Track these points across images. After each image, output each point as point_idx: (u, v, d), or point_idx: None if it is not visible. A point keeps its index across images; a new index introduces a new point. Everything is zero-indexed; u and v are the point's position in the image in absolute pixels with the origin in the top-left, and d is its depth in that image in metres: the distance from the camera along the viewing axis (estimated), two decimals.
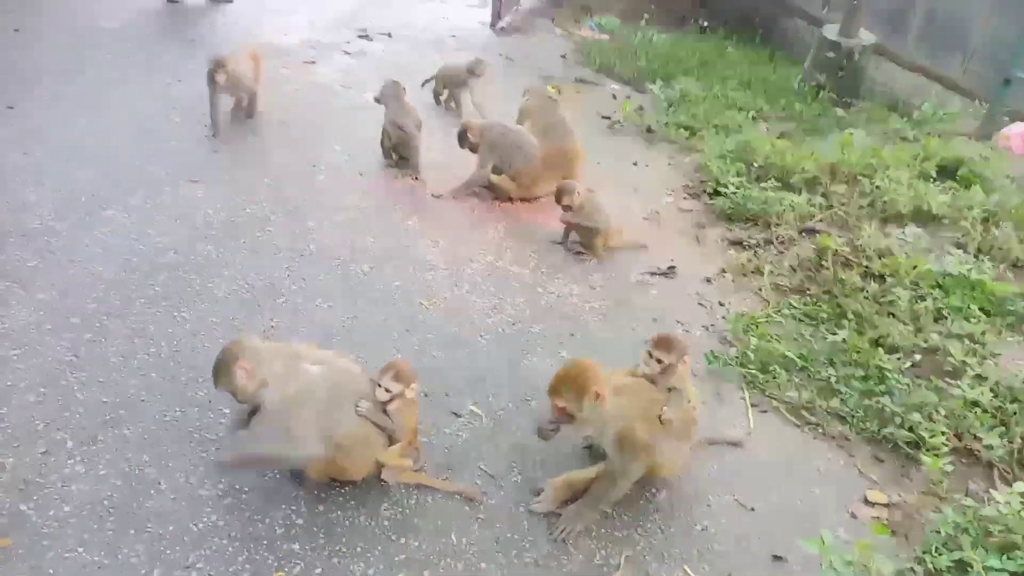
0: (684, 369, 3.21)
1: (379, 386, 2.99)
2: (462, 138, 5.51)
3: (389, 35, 8.71)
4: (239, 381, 2.78)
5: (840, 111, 7.66)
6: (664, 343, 3.18)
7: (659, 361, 3.15)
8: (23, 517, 2.77)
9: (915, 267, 4.71)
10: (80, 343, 3.60)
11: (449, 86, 6.87)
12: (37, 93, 5.98)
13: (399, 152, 5.74)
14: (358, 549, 2.86)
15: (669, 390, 3.13)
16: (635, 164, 6.46)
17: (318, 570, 2.76)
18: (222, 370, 2.79)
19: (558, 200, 4.99)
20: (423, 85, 6.93)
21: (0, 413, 3.14)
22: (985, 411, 3.73)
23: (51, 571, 2.61)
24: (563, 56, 8.87)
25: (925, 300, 4.49)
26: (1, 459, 2.96)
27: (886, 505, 3.39)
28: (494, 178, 5.52)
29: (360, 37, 8.48)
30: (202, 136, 5.71)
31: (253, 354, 2.80)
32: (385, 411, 3.00)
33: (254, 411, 2.89)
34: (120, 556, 2.69)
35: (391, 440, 3.05)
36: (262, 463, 2.99)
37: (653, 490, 3.29)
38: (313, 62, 7.55)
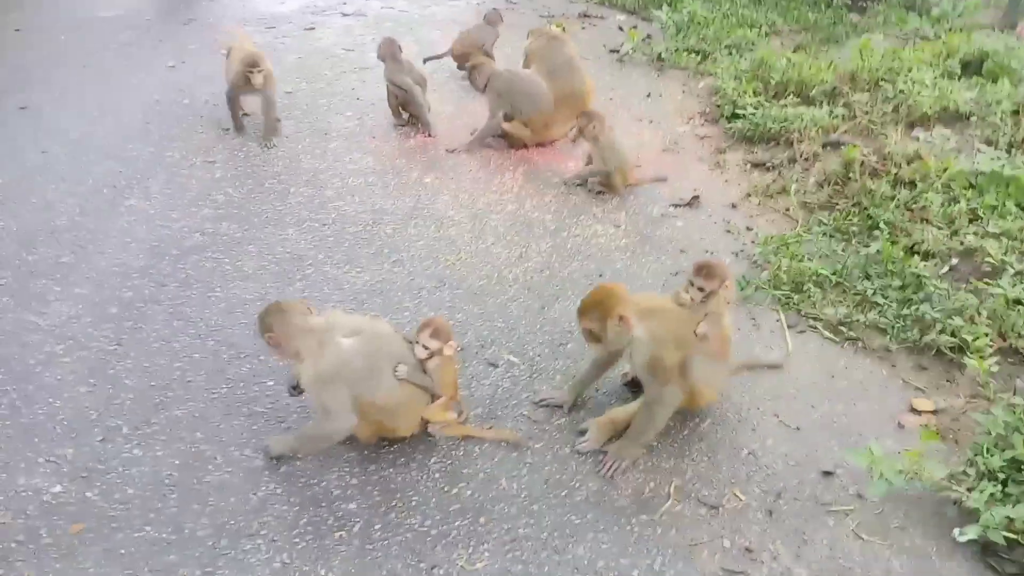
0: (725, 294, 3.18)
1: (417, 343, 3.02)
2: (470, 72, 5.46)
3: None
4: (275, 351, 2.96)
5: (855, 17, 7.40)
6: (705, 270, 3.15)
7: (700, 289, 3.13)
8: (90, 503, 2.87)
9: (945, 169, 4.59)
10: (121, 331, 3.68)
11: (486, 46, 6.42)
12: (46, 90, 6.00)
13: (407, 110, 5.69)
14: (413, 503, 2.93)
15: (706, 315, 3.10)
16: (648, 96, 6.34)
17: (377, 526, 2.84)
18: (260, 328, 2.97)
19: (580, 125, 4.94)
20: (425, 62, 6.40)
21: (55, 407, 3.24)
22: None
23: (122, 552, 2.71)
24: None
25: (958, 202, 4.38)
26: (62, 450, 3.05)
27: (933, 412, 3.37)
28: (507, 126, 5.45)
29: None
30: (212, 116, 5.70)
31: (282, 325, 2.91)
32: (424, 368, 3.04)
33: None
34: (187, 531, 2.79)
35: (433, 397, 3.10)
36: (307, 444, 3.06)
37: (696, 419, 3.31)
38: (312, 28, 7.46)
